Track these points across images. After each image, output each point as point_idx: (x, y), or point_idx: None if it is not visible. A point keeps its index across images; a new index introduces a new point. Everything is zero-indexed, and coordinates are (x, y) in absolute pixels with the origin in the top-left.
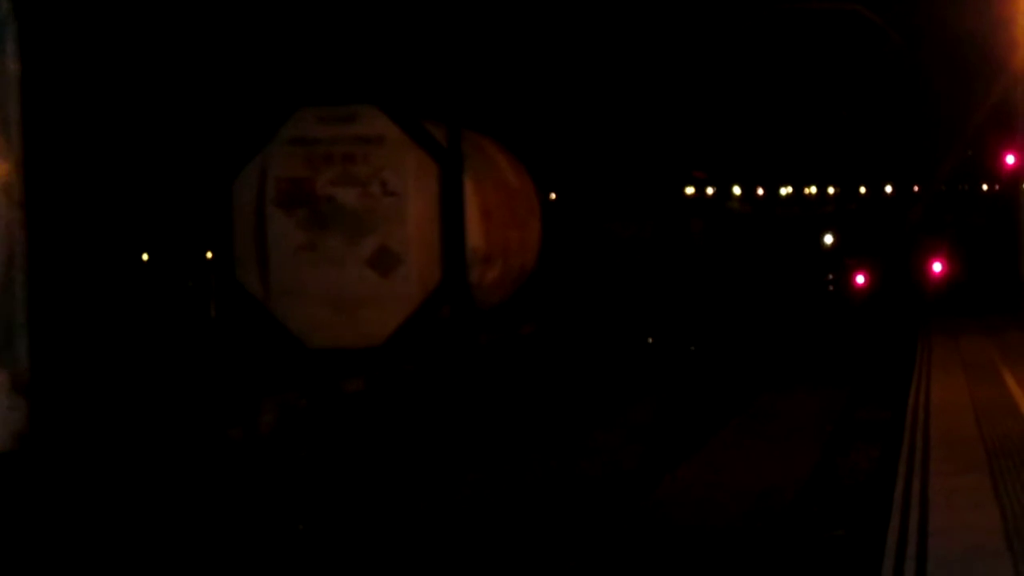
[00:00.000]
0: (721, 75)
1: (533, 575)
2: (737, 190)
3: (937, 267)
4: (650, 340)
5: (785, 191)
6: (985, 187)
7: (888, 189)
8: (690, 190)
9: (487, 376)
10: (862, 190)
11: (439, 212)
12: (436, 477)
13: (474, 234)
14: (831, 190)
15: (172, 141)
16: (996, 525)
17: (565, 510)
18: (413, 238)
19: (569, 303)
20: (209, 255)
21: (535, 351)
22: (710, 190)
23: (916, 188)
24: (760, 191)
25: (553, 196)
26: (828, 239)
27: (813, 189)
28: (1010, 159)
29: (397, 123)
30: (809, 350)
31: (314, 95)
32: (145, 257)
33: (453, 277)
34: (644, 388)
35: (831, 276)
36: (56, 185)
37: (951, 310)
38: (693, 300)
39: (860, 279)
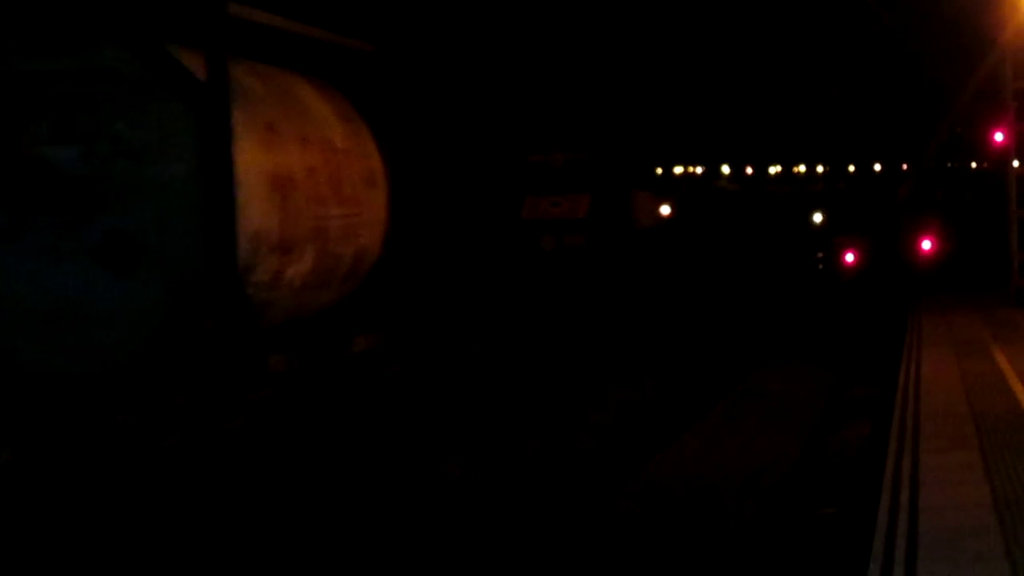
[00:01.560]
0: (709, 53)
1: (523, 556)
2: (726, 168)
3: (927, 244)
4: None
5: (774, 170)
6: (974, 165)
7: (877, 167)
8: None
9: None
10: (851, 168)
11: (201, 181)
12: (423, 462)
13: (259, 212)
14: (820, 168)
15: None
16: (987, 501)
17: (555, 490)
18: (160, 220)
19: (423, 308)
20: None
21: (368, 375)
22: (699, 169)
23: (905, 166)
24: (749, 170)
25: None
26: (817, 217)
27: (802, 168)
28: (999, 136)
29: (135, 52)
30: (799, 328)
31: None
32: None
33: (218, 275)
34: (633, 368)
35: (820, 254)
36: None
37: (941, 287)
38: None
39: (849, 257)
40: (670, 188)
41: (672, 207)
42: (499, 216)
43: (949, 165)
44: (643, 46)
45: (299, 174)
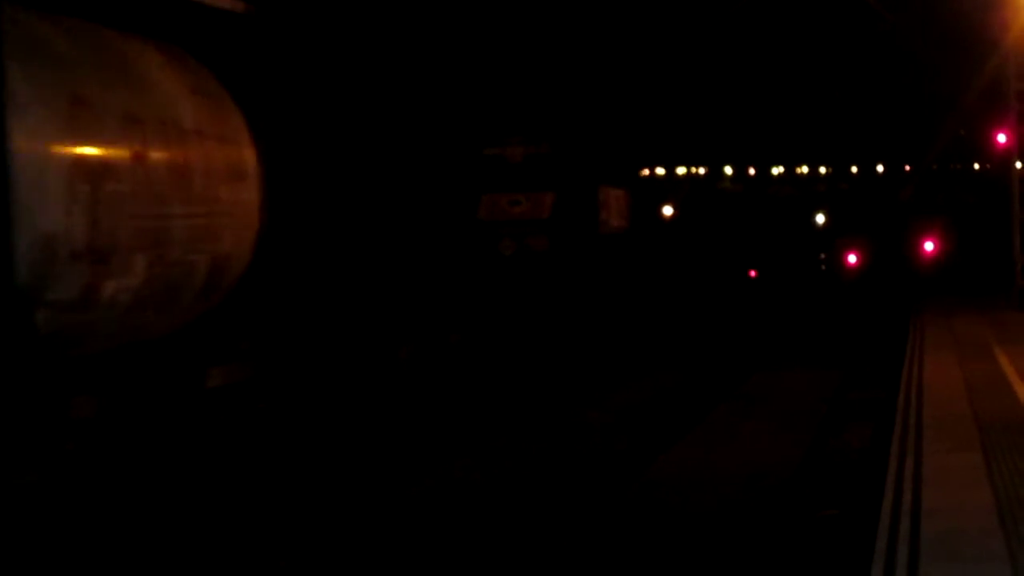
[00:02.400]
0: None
1: (525, 556)
2: (729, 170)
3: (929, 246)
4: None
5: (777, 171)
6: (977, 166)
7: (880, 169)
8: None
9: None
10: (854, 170)
11: None
12: (428, 463)
13: (54, 210)
14: (823, 170)
15: None
16: (989, 503)
17: (557, 492)
18: None
19: (315, 329)
20: None
21: (227, 415)
22: (702, 170)
23: (908, 168)
24: (752, 171)
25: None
26: (820, 219)
27: (805, 169)
28: (1002, 138)
29: None
30: (802, 330)
31: None
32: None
33: None
34: (635, 370)
35: (823, 256)
36: None
37: (943, 289)
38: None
39: (852, 259)
40: (672, 189)
41: (674, 208)
42: (448, 217)
43: (952, 167)
44: (619, 28)
45: (122, 162)
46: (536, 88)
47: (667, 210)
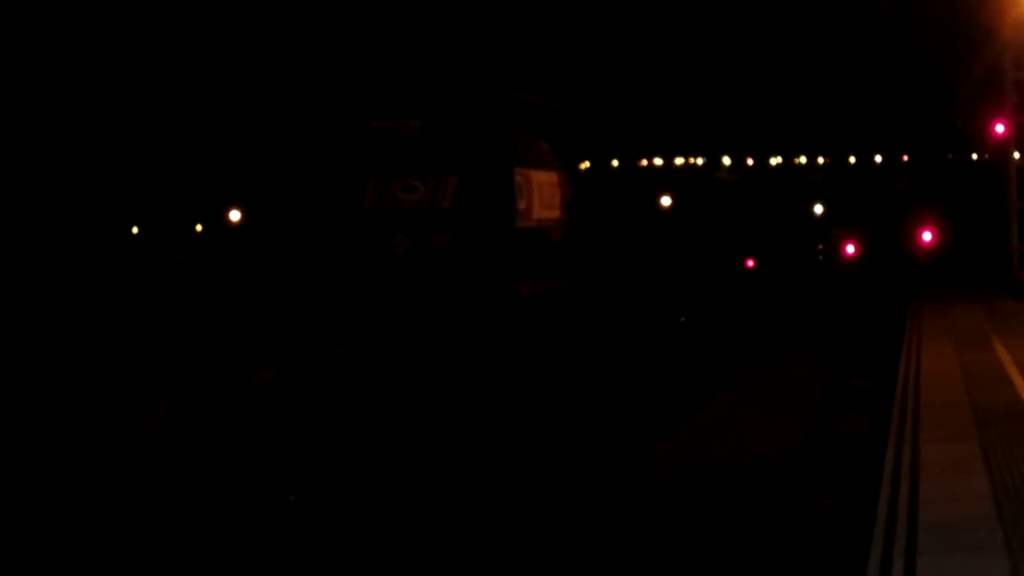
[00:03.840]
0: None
1: (527, 541)
2: (727, 160)
3: (927, 236)
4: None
5: (775, 161)
6: (975, 156)
7: (878, 159)
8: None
9: None
10: (852, 160)
11: None
12: (428, 449)
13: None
14: (821, 160)
15: (171, 118)
16: (986, 492)
17: (558, 479)
18: None
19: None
20: (199, 228)
21: None
22: (699, 160)
23: (905, 158)
24: (750, 161)
25: None
26: (817, 209)
27: (803, 159)
28: (999, 128)
29: None
30: (799, 319)
31: None
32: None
33: None
34: (635, 358)
35: (820, 246)
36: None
37: (941, 279)
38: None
39: (850, 248)
40: (669, 179)
41: (671, 198)
42: (325, 209)
43: (949, 156)
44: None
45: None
46: (441, 41)
47: (664, 200)
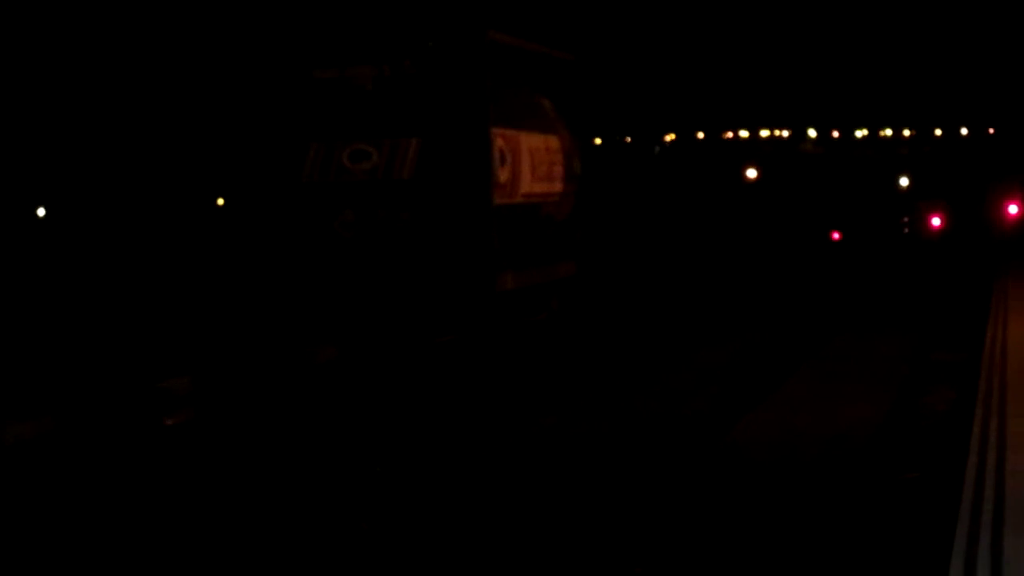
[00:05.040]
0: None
1: (609, 512)
2: (812, 132)
3: (1013, 209)
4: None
5: (860, 133)
6: None
7: (964, 131)
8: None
9: None
10: (938, 132)
11: None
12: (513, 422)
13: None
14: (906, 132)
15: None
16: None
17: (641, 451)
18: None
19: None
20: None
21: None
22: (785, 132)
23: (991, 131)
24: (835, 133)
25: None
26: (903, 181)
27: (888, 131)
28: None
29: None
30: (884, 292)
31: None
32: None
33: None
34: (717, 331)
35: (906, 218)
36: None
37: None
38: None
39: (935, 221)
40: (755, 151)
41: (757, 170)
42: (250, 181)
43: None
44: None
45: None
46: None
47: (750, 172)
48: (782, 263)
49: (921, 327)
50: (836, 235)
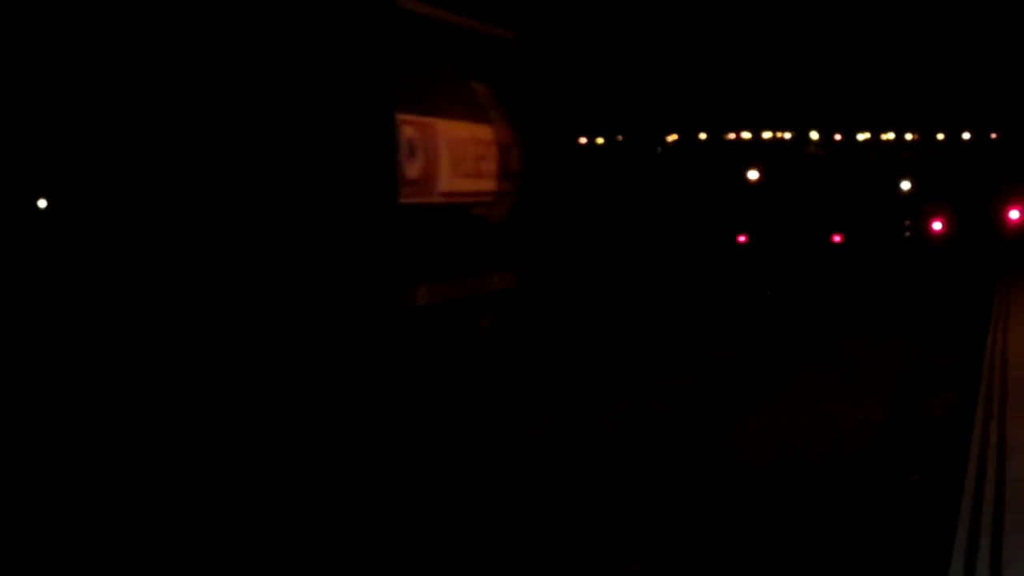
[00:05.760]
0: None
1: (606, 513)
2: (814, 135)
3: (1014, 214)
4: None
5: (863, 136)
6: None
7: (966, 136)
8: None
9: None
10: (940, 136)
11: None
12: (514, 419)
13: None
14: (909, 136)
15: None
16: None
17: (641, 451)
18: None
19: None
20: None
21: None
22: (787, 134)
23: (994, 135)
24: (838, 136)
25: None
26: (905, 185)
27: (891, 135)
28: None
29: None
30: (887, 295)
31: None
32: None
33: None
34: (721, 333)
35: (908, 222)
36: None
37: None
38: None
39: (937, 225)
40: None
41: (759, 172)
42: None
43: None
44: None
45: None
46: None
47: (752, 174)
48: (784, 265)
49: (923, 330)
50: (838, 238)
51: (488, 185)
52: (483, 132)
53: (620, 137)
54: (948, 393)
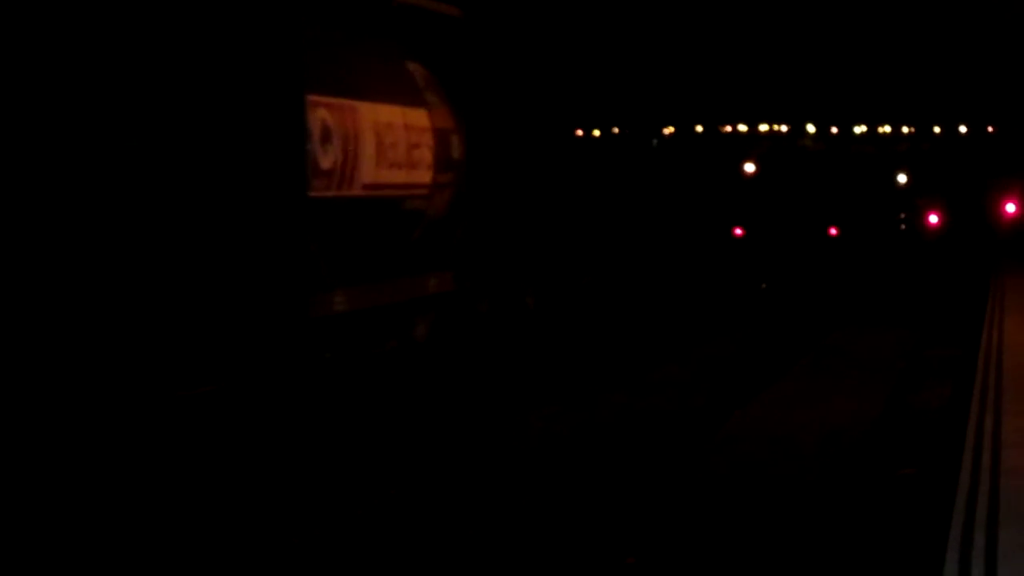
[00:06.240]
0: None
1: (599, 506)
2: (811, 128)
3: (1010, 208)
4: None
5: (859, 130)
6: None
7: (963, 129)
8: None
9: None
10: (936, 130)
11: None
12: (510, 411)
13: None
14: (905, 129)
15: None
16: None
17: (635, 443)
18: None
19: None
20: None
21: None
22: (784, 127)
23: (991, 129)
24: (834, 129)
25: None
26: (901, 178)
27: (887, 128)
28: None
29: None
30: (881, 288)
31: None
32: None
33: None
34: (716, 326)
35: (903, 215)
36: None
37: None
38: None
39: (933, 219)
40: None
41: (755, 165)
42: None
43: None
44: None
45: None
46: None
47: (748, 167)
48: (779, 258)
49: (917, 323)
50: (833, 231)
51: (423, 176)
52: (418, 117)
53: (616, 129)
54: (943, 386)
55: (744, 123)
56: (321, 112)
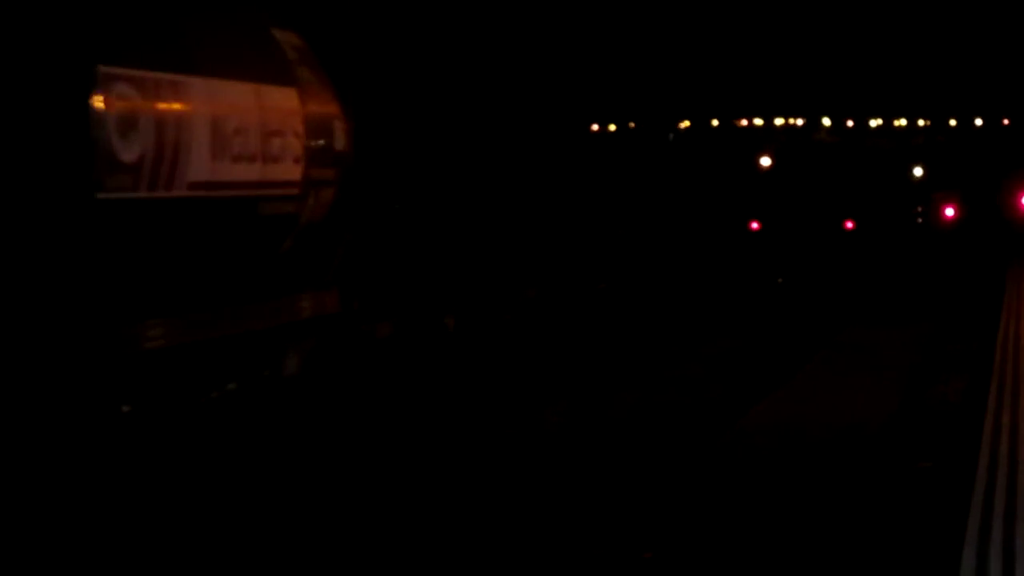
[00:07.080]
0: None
1: (615, 499)
2: (827, 121)
3: None
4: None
5: (875, 123)
6: None
7: (978, 122)
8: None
9: None
10: (952, 123)
11: None
12: (524, 409)
13: None
14: (921, 123)
15: None
16: None
17: (650, 438)
18: None
19: None
20: None
21: None
22: (799, 121)
23: (1006, 121)
24: (850, 123)
25: None
26: (917, 172)
27: (903, 121)
28: None
29: None
30: (898, 282)
31: None
32: None
33: None
34: (732, 321)
35: (919, 208)
36: None
37: None
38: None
39: (949, 212)
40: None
41: (771, 158)
42: None
43: None
44: None
45: None
46: None
47: (764, 160)
48: (795, 252)
49: (934, 317)
50: (850, 224)
51: (289, 172)
52: (282, 97)
53: (632, 124)
54: (959, 380)
55: (760, 117)
56: (120, 88)
